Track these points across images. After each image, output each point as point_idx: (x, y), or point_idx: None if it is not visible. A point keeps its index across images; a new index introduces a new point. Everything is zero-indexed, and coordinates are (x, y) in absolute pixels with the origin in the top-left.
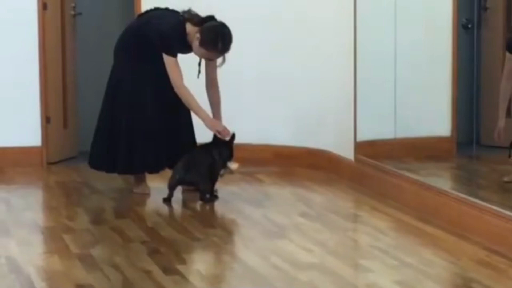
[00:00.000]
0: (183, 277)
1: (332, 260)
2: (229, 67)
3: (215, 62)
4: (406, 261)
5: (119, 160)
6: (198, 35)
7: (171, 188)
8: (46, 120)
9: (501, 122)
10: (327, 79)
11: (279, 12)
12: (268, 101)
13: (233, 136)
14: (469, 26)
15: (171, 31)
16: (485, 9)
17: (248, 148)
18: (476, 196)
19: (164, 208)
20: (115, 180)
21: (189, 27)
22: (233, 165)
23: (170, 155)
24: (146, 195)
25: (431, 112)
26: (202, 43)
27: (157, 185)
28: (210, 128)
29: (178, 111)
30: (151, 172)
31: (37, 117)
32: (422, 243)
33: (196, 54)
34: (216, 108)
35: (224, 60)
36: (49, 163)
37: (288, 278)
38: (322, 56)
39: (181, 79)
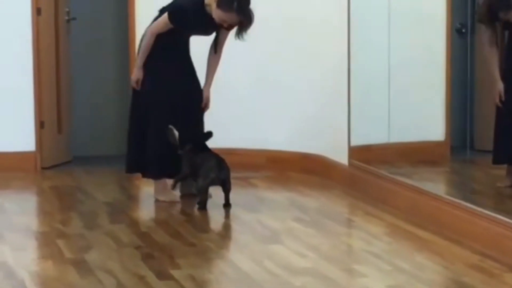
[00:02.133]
0: (177, 282)
1: (326, 265)
2: (224, 72)
3: (227, 34)
4: (399, 266)
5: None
6: None
7: (205, 190)
8: (40, 125)
9: (499, 84)
10: (321, 84)
11: (275, 19)
12: (262, 106)
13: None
14: (463, 30)
15: (188, 4)
16: None
17: (242, 153)
18: (470, 201)
19: (158, 213)
20: (109, 185)
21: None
22: None
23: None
24: (176, 203)
25: (425, 117)
26: (219, 4)
27: (149, 189)
28: (132, 77)
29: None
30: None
31: (31, 122)
32: (415, 248)
33: (215, 18)
34: (211, 72)
35: (243, 30)
36: (43, 168)
37: (282, 283)
38: (317, 61)
39: (156, 33)
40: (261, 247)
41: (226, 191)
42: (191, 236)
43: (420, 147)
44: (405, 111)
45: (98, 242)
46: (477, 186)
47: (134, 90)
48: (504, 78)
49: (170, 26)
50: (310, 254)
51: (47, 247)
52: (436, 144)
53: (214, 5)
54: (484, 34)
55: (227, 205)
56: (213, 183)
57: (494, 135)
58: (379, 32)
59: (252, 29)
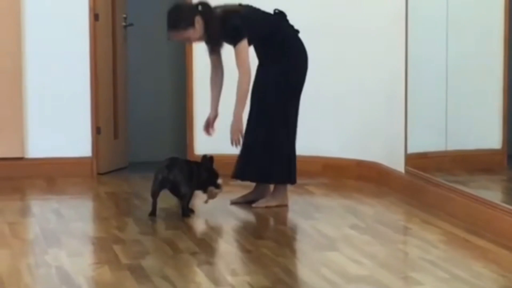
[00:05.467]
0: None
1: (382, 273)
2: None
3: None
4: (456, 274)
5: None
6: None
7: (155, 194)
8: (96, 130)
9: None
10: (377, 90)
11: (328, 26)
12: (317, 113)
13: (212, 160)
14: None
15: None
16: None
17: (298, 160)
18: None
19: (215, 220)
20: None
21: None
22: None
23: None
24: (285, 206)
25: (482, 125)
26: None
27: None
28: (235, 131)
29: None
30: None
31: (87, 127)
32: (472, 256)
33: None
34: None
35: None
36: (100, 174)
37: None
38: (372, 68)
39: None
40: (318, 254)
41: (179, 197)
42: (247, 243)
43: (477, 155)
44: (462, 118)
45: (154, 248)
46: None
47: None
48: None
49: None
50: (366, 262)
51: (103, 252)
52: (493, 152)
53: None
54: None
55: (184, 215)
56: (162, 186)
57: None
58: (437, 38)
59: (306, 37)
